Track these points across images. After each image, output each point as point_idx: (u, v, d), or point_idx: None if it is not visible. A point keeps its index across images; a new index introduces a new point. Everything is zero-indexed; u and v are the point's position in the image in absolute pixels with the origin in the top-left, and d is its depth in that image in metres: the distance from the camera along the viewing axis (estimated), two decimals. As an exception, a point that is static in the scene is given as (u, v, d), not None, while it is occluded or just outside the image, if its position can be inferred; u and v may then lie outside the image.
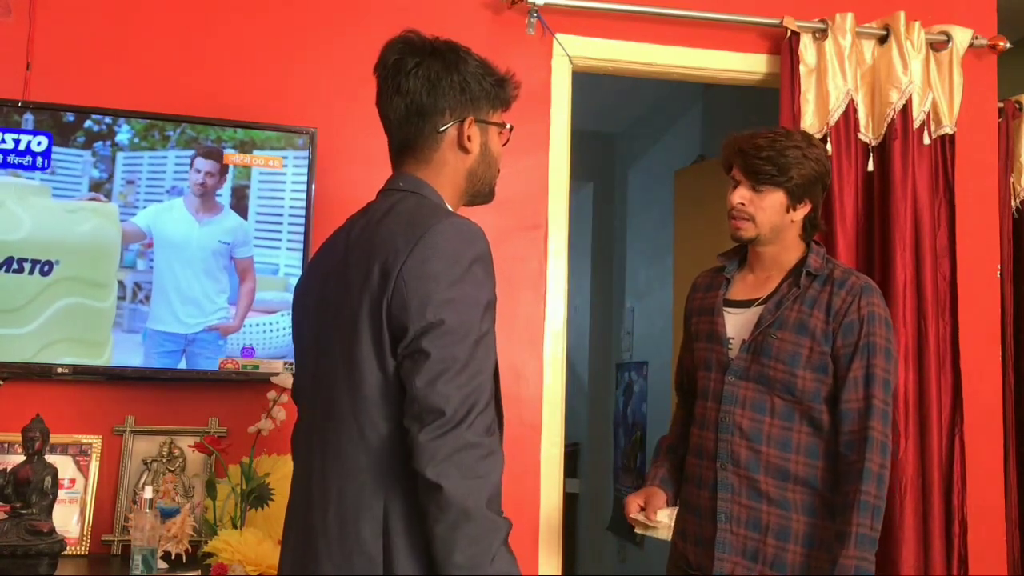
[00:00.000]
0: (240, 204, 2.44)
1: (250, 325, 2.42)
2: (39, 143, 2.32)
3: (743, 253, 2.10)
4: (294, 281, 2.07)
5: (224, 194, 2.43)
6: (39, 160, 2.32)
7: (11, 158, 2.30)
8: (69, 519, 2.29)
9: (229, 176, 2.44)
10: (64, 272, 2.30)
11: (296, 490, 1.48)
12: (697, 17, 2.75)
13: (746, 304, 2.03)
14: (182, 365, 2.37)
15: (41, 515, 2.03)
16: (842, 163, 2.65)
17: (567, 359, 2.72)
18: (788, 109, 2.66)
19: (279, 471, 2.23)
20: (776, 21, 2.73)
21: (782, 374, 1.92)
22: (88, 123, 2.36)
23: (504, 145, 1.58)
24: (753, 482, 1.93)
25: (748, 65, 2.81)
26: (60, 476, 2.13)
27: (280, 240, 2.45)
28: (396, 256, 1.32)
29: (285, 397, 2.18)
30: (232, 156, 2.45)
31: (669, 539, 2.08)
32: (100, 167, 2.36)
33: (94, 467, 2.36)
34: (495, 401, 1.39)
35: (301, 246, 2.44)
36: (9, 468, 2.06)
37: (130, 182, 2.38)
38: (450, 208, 1.48)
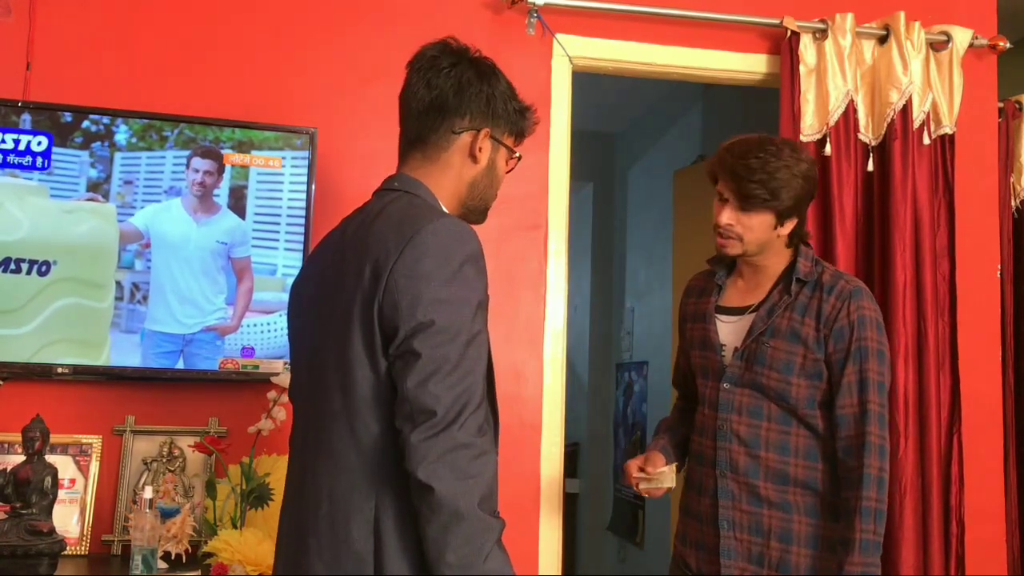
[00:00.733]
0: (238, 204, 2.44)
1: (248, 325, 2.42)
2: (39, 143, 2.32)
3: (731, 259, 2.10)
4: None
5: (222, 194, 2.43)
6: (39, 160, 2.32)
7: (11, 158, 2.30)
8: (69, 519, 2.29)
9: (227, 176, 2.44)
10: (62, 273, 2.30)
11: (289, 489, 1.49)
12: (697, 17, 2.75)
13: (738, 311, 2.03)
14: (180, 365, 2.37)
15: (41, 515, 2.03)
16: (842, 163, 2.65)
17: (567, 359, 2.72)
18: (788, 109, 2.66)
19: (279, 471, 2.23)
20: (776, 21, 2.73)
21: (776, 382, 1.92)
22: (86, 123, 2.36)
23: (508, 172, 1.60)
24: (753, 488, 1.93)
25: (748, 65, 2.81)
26: (60, 476, 2.13)
27: (278, 240, 2.45)
28: (387, 256, 1.33)
29: (285, 397, 2.18)
30: (231, 156, 2.45)
31: (673, 486, 2.04)
32: (98, 167, 2.36)
33: (94, 467, 2.36)
34: (489, 402, 1.40)
35: (300, 246, 2.44)
36: (9, 468, 2.06)
37: (128, 182, 2.38)
38: (445, 209, 1.49)
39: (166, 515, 2.17)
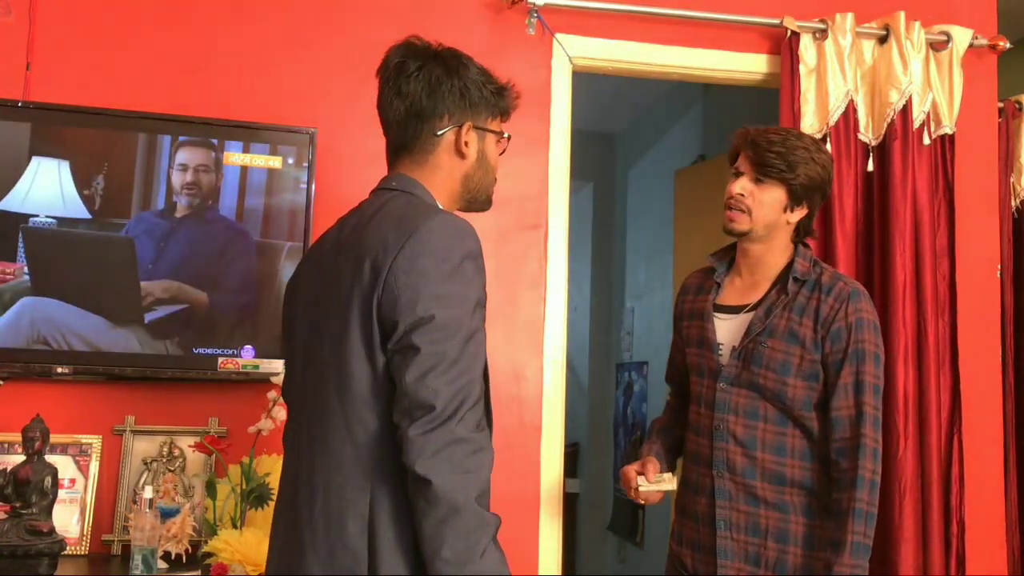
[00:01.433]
0: (239, 204, 2.44)
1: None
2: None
3: (732, 255, 2.10)
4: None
5: (224, 193, 2.43)
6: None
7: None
8: (69, 519, 2.29)
9: (227, 176, 2.44)
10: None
11: (284, 485, 1.49)
12: (697, 17, 2.75)
13: (735, 310, 2.02)
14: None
15: (41, 515, 2.03)
16: (842, 163, 2.65)
17: (567, 359, 2.72)
18: (788, 109, 2.66)
19: (279, 471, 2.21)
20: (776, 21, 2.73)
21: (773, 383, 1.91)
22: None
23: (501, 154, 1.59)
24: (750, 488, 1.93)
25: (748, 65, 2.81)
26: (60, 476, 2.13)
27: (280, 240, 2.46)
28: (386, 253, 1.33)
29: (285, 397, 2.18)
30: (232, 156, 2.45)
31: (674, 488, 2.04)
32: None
33: (94, 467, 2.36)
34: (484, 399, 1.40)
35: (301, 246, 2.44)
36: (9, 468, 2.06)
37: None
38: (442, 208, 1.49)
39: (166, 515, 2.17)
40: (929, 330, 2.59)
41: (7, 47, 2.44)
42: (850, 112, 2.68)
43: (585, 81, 2.84)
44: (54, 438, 2.18)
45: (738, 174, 1.99)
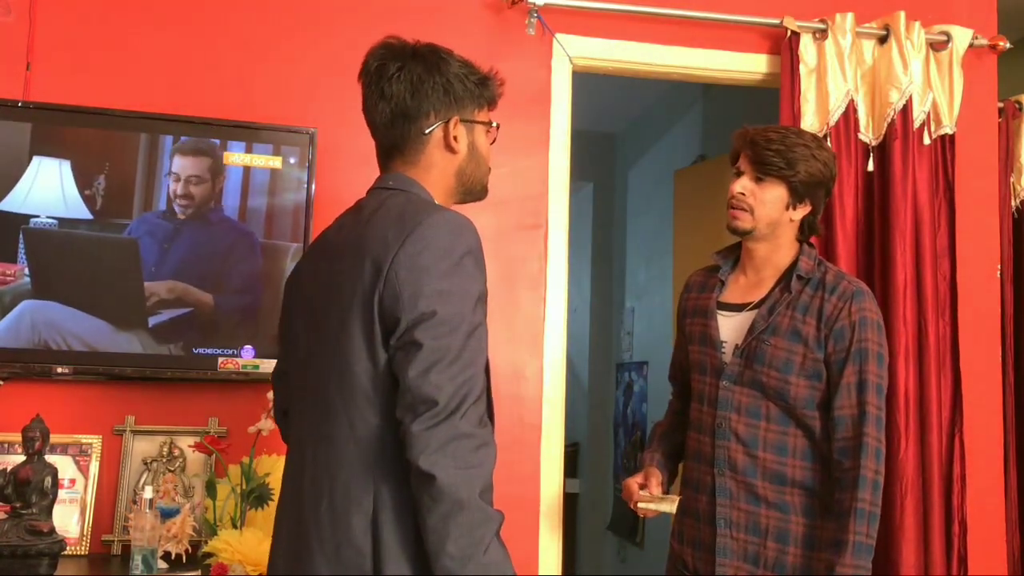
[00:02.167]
0: (241, 205, 2.44)
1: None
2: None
3: (738, 253, 2.10)
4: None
5: (226, 194, 2.43)
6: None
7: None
8: (69, 519, 2.29)
9: (229, 177, 2.44)
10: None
11: (287, 484, 1.49)
12: (697, 17, 2.75)
13: (739, 308, 2.02)
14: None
15: (41, 515, 2.03)
16: (842, 163, 2.65)
17: (567, 359, 2.72)
18: (788, 109, 2.66)
19: (279, 471, 2.21)
20: (776, 21, 2.73)
21: (775, 381, 1.91)
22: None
23: (492, 143, 1.59)
24: (751, 487, 1.93)
25: (748, 65, 2.81)
26: (60, 476, 2.13)
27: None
28: (387, 250, 1.34)
29: (285, 397, 2.18)
30: (232, 156, 2.45)
31: (673, 512, 2.04)
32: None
33: (94, 467, 2.35)
34: (487, 394, 1.40)
35: (301, 247, 2.44)
36: (9, 468, 2.06)
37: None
38: (440, 204, 1.49)
39: (166, 515, 2.17)
40: (929, 330, 2.59)
41: (7, 47, 2.44)
42: (850, 112, 2.68)
43: (585, 81, 2.84)
44: (54, 438, 2.18)
45: (739, 173, 2.00)
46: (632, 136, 5.28)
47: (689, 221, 3.97)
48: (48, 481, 2.06)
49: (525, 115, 2.67)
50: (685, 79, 2.94)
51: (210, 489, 2.23)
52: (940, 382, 2.60)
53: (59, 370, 2.30)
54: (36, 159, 2.35)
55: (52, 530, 2.03)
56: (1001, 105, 2.95)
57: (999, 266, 2.86)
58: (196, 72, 2.53)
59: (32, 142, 2.34)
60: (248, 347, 2.41)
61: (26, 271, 2.31)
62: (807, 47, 2.69)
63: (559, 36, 2.70)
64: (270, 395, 2.23)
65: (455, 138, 1.51)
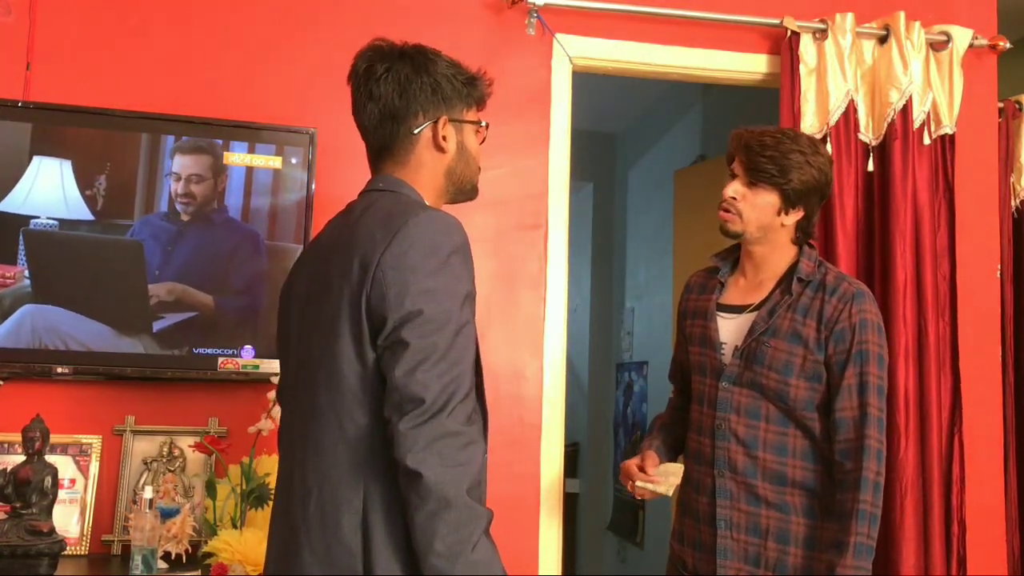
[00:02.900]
0: (244, 206, 2.44)
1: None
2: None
3: (737, 255, 2.10)
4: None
5: (229, 194, 2.43)
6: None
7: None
8: (69, 519, 2.29)
9: (232, 177, 2.44)
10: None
11: (280, 485, 1.50)
12: (697, 17, 2.75)
13: (739, 309, 2.02)
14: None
15: (41, 515, 2.03)
16: (842, 163, 2.65)
17: (567, 359, 2.72)
18: (788, 109, 2.66)
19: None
20: (776, 21, 2.73)
21: (775, 383, 1.91)
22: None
23: (482, 143, 1.60)
24: (751, 488, 1.93)
25: (748, 65, 2.81)
26: (60, 476, 2.13)
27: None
28: (374, 249, 1.34)
29: (285, 397, 2.18)
30: (232, 156, 2.45)
31: (678, 481, 2.04)
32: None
33: (94, 467, 2.35)
34: (478, 394, 1.42)
35: (301, 247, 2.44)
36: (9, 468, 2.06)
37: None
38: (429, 205, 1.50)
39: (166, 515, 2.17)
40: (929, 330, 2.59)
41: (7, 47, 2.44)
42: (850, 112, 2.68)
43: (585, 81, 2.84)
44: (54, 438, 2.18)
45: (733, 176, 2.00)
46: (632, 136, 5.28)
47: (689, 221, 3.97)
48: (48, 481, 2.06)
49: (525, 115, 2.67)
50: (685, 79, 2.93)
51: (210, 489, 2.23)
52: (940, 382, 2.60)
53: (59, 370, 2.30)
54: (36, 159, 2.34)
55: (52, 530, 2.03)
56: (1001, 105, 2.95)
57: (999, 266, 2.86)
58: (196, 72, 2.53)
59: (32, 142, 2.34)
60: (248, 347, 2.41)
61: (26, 273, 2.30)
62: (807, 47, 2.69)
63: (559, 36, 2.70)
64: (270, 395, 2.24)
65: (444, 138, 1.52)
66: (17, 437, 2.12)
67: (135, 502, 2.28)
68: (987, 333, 2.81)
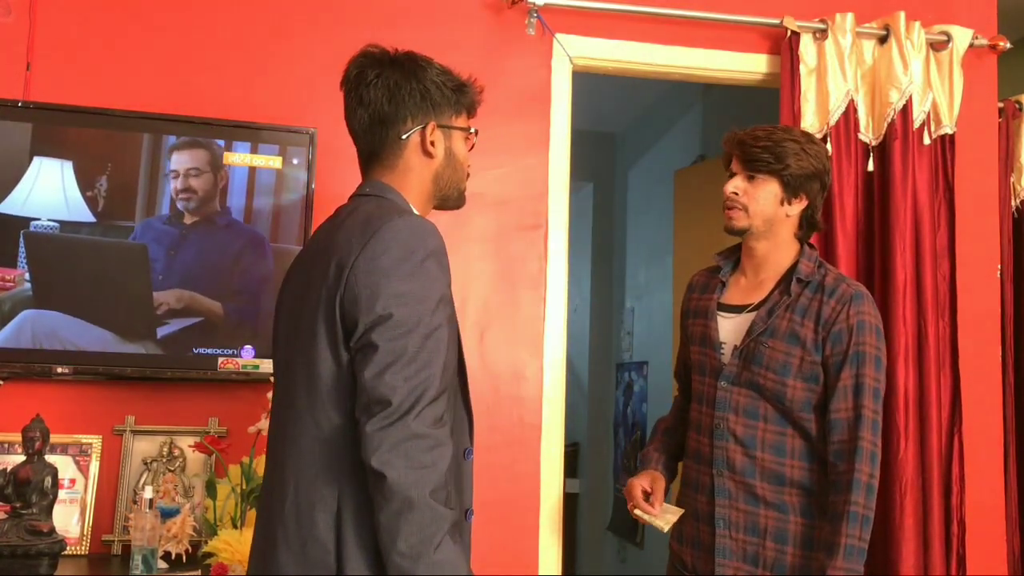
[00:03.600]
0: (246, 207, 2.44)
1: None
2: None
3: (738, 254, 2.10)
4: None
5: (230, 196, 2.43)
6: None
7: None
8: (69, 519, 2.29)
9: (231, 177, 2.44)
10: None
11: (263, 484, 1.53)
12: (697, 17, 2.75)
13: (739, 309, 2.03)
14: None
15: (41, 515, 2.03)
16: (842, 163, 2.65)
17: (567, 359, 2.72)
18: (788, 109, 2.66)
19: (279, 471, 2.23)
20: (776, 21, 2.73)
21: (772, 383, 1.91)
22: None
23: (471, 149, 1.63)
24: (750, 487, 1.93)
25: (748, 65, 2.81)
26: (60, 476, 2.13)
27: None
28: (350, 253, 1.37)
29: (285, 397, 2.18)
30: (231, 156, 2.45)
31: (667, 530, 2.06)
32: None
33: (94, 467, 2.35)
34: (462, 395, 1.47)
35: (301, 247, 2.44)
36: (9, 468, 2.06)
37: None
38: (414, 210, 1.52)
39: (166, 515, 2.17)
40: (929, 330, 2.59)
41: (7, 47, 2.43)
42: (850, 112, 2.68)
43: (585, 81, 2.84)
44: (54, 438, 2.18)
45: (732, 174, 2.00)
46: (632, 136, 5.28)
47: (689, 221, 3.97)
48: (48, 481, 2.06)
49: (525, 115, 2.67)
50: (685, 79, 2.93)
51: (210, 489, 2.23)
52: (940, 382, 2.60)
53: (59, 370, 2.29)
54: (37, 160, 2.34)
55: (52, 530, 2.03)
56: (1001, 105, 2.95)
57: (999, 266, 2.86)
58: (197, 72, 2.53)
59: (33, 143, 2.33)
60: (248, 347, 2.41)
61: (27, 277, 2.29)
62: (807, 47, 2.69)
63: (559, 36, 2.70)
64: (270, 395, 2.23)
65: (432, 143, 1.54)
66: (17, 437, 2.12)
67: (135, 502, 2.28)
68: (987, 333, 2.81)
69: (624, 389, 5.07)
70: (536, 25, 2.66)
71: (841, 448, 1.87)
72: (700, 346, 2.06)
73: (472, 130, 1.61)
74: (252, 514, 2.20)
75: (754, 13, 2.77)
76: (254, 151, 2.46)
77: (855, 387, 1.88)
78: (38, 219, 2.32)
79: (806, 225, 2.02)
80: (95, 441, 2.37)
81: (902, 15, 2.70)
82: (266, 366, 2.39)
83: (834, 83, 2.66)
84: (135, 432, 2.40)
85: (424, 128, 1.53)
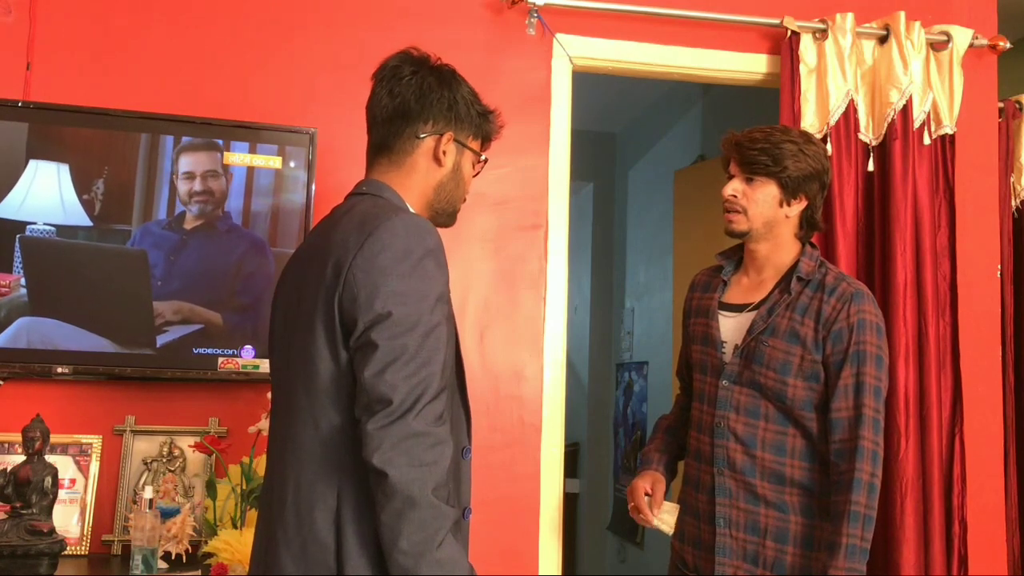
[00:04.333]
0: (245, 208, 2.44)
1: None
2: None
3: (741, 253, 2.10)
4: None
5: (230, 198, 2.42)
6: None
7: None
8: (69, 519, 2.29)
9: (233, 179, 2.43)
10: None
11: (264, 484, 1.53)
12: (697, 17, 2.75)
13: (740, 308, 2.03)
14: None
15: (41, 515, 2.03)
16: (842, 163, 2.65)
17: (567, 359, 2.72)
18: (788, 109, 2.66)
19: (279, 471, 2.23)
20: (776, 21, 2.73)
21: (773, 382, 1.91)
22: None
23: (476, 175, 1.64)
24: (750, 486, 1.93)
25: (748, 65, 2.81)
26: (60, 476, 2.13)
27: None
28: (347, 252, 1.37)
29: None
30: (231, 156, 2.44)
31: (669, 532, 2.08)
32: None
33: (94, 467, 2.35)
34: (460, 393, 1.47)
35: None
36: (9, 468, 2.06)
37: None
38: (411, 209, 1.53)
39: (166, 515, 2.17)
40: (930, 330, 2.59)
41: (7, 47, 2.43)
42: (850, 112, 2.68)
43: (585, 81, 2.84)
44: (54, 438, 2.18)
45: (730, 176, 2.00)
46: (632, 136, 5.28)
47: (689, 221, 3.97)
48: (48, 481, 2.06)
49: (525, 115, 2.67)
50: (685, 79, 2.93)
51: (210, 489, 2.23)
52: (940, 382, 2.60)
53: (59, 370, 2.29)
54: (33, 163, 2.32)
55: (52, 530, 2.03)
56: (1001, 105, 2.95)
57: (999, 266, 2.86)
58: (196, 72, 2.53)
59: (29, 144, 2.31)
60: (248, 347, 2.41)
61: (23, 283, 2.27)
62: (807, 47, 2.69)
63: (559, 36, 2.70)
64: (270, 395, 2.23)
65: (444, 152, 1.55)
66: (17, 437, 2.12)
67: (135, 502, 2.28)
68: (987, 333, 2.81)
69: (624, 389, 5.07)
70: (536, 25, 2.66)
71: (842, 447, 1.87)
72: (701, 345, 2.07)
73: (483, 157, 1.63)
74: (252, 514, 2.20)
75: (754, 13, 2.77)
76: (252, 151, 2.45)
77: (855, 386, 1.88)
78: (34, 223, 2.29)
79: (806, 225, 2.02)
80: (95, 441, 2.37)
81: (902, 15, 2.70)
82: (266, 366, 2.39)
83: (834, 83, 2.66)
84: (135, 432, 2.40)
85: (441, 136, 1.55)
